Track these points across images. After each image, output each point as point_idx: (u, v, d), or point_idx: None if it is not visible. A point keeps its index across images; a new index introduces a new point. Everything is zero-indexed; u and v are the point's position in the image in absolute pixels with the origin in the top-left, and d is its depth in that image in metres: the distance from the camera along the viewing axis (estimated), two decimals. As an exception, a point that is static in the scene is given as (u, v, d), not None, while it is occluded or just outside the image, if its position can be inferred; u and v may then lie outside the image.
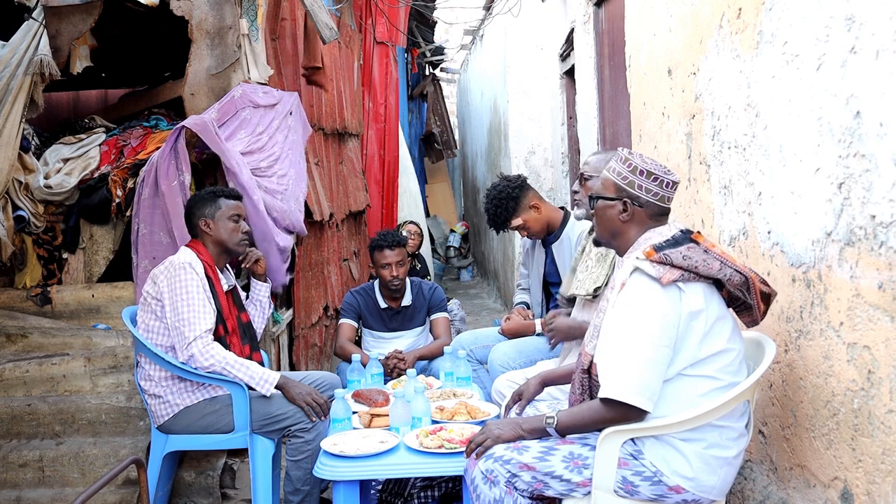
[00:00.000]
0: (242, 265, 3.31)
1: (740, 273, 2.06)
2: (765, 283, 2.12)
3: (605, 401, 2.06)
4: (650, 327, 2.01)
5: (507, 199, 3.65)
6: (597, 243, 2.39)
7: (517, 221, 3.67)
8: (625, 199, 2.18)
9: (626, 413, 2.04)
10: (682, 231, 2.14)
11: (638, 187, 2.16)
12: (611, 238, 2.26)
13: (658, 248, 2.06)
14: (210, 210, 3.10)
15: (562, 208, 3.82)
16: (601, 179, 2.26)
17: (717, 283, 2.09)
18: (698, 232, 2.15)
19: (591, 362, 2.17)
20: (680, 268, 2.03)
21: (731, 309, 2.15)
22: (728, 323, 2.10)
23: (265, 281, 3.41)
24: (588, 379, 2.19)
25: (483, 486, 2.14)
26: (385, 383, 3.40)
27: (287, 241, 3.85)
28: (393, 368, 3.66)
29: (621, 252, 2.26)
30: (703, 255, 2.06)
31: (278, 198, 3.79)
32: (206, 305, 2.96)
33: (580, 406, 2.17)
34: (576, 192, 3.19)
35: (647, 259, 2.05)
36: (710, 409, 2.02)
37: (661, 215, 2.19)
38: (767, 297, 2.13)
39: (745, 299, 2.10)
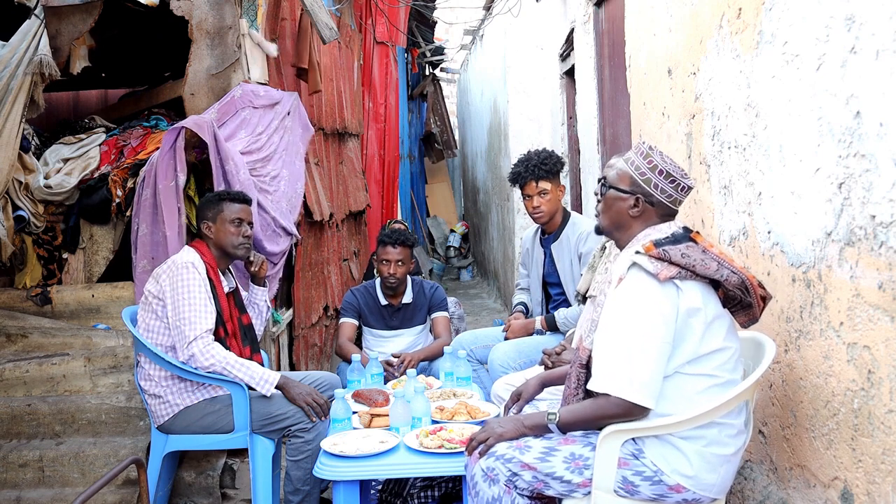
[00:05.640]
0: (251, 269, 3.31)
1: (737, 274, 2.06)
2: (762, 286, 2.12)
3: (608, 397, 2.06)
4: (650, 324, 2.01)
5: (555, 163, 3.70)
6: (598, 231, 2.35)
7: (546, 185, 3.68)
8: (638, 196, 2.17)
9: (628, 409, 2.03)
10: (681, 229, 2.14)
11: (654, 186, 2.15)
12: (614, 229, 2.25)
13: (657, 244, 2.06)
14: (212, 213, 3.10)
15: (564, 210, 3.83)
16: (616, 170, 2.23)
17: (714, 284, 2.09)
18: (697, 232, 2.15)
19: (590, 357, 2.16)
20: (678, 265, 2.02)
21: (725, 309, 2.15)
22: (725, 321, 2.10)
23: (263, 285, 3.40)
24: (585, 374, 2.18)
25: (482, 484, 2.14)
26: (385, 383, 3.40)
27: (279, 244, 3.84)
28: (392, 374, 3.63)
29: (620, 245, 2.25)
30: (702, 254, 2.06)
31: (268, 198, 3.78)
32: (207, 305, 2.96)
33: (582, 403, 2.16)
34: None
35: (645, 254, 2.05)
36: (715, 407, 2.02)
37: (668, 216, 2.18)
38: (763, 299, 2.13)
39: (744, 298, 2.10)
